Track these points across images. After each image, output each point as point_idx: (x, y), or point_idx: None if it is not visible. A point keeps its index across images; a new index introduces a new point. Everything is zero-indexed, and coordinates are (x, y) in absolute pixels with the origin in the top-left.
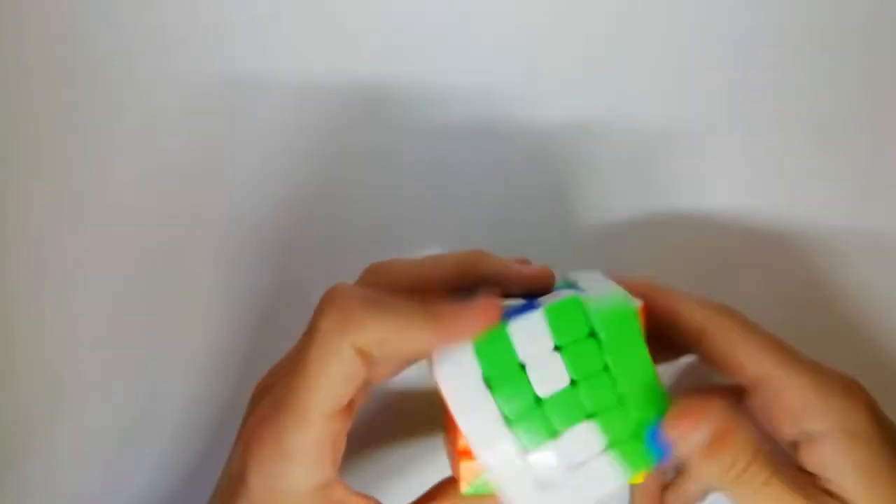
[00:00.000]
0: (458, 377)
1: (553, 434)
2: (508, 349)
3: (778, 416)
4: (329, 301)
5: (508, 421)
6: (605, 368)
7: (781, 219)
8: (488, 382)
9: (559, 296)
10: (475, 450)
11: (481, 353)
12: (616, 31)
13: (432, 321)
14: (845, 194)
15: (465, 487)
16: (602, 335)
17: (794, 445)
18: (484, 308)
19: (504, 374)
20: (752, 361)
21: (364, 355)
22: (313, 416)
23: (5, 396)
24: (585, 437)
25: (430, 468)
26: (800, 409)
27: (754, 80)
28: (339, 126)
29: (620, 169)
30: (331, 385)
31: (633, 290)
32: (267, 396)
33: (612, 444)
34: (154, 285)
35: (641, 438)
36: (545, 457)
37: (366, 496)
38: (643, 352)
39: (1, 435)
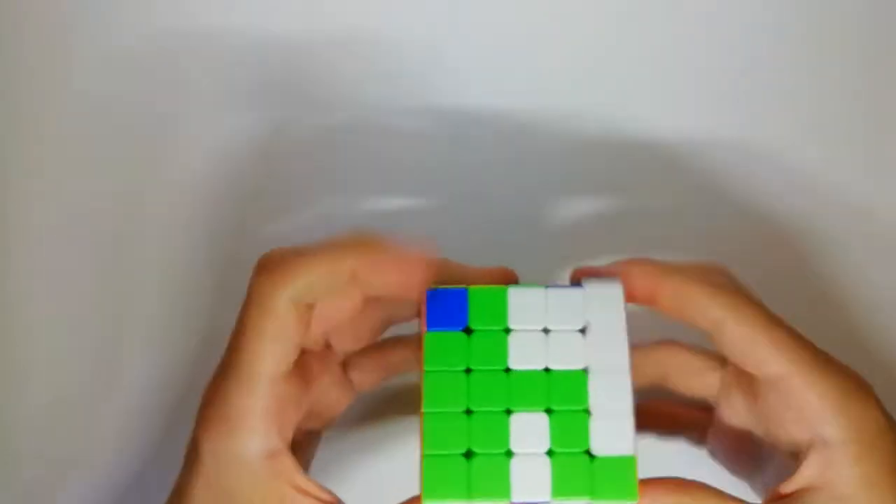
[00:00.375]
0: None
1: (505, 409)
2: (502, 310)
3: (791, 418)
4: (260, 264)
5: (468, 372)
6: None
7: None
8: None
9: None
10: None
11: (474, 301)
12: (616, 31)
13: (354, 249)
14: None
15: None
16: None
17: (795, 451)
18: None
19: (487, 331)
20: (772, 359)
21: (300, 309)
22: (255, 378)
23: (5, 396)
24: (531, 430)
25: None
26: (816, 413)
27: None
28: (335, 125)
29: (618, 169)
30: (269, 345)
31: (638, 279)
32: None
33: (554, 453)
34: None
35: (585, 465)
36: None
37: (316, 483)
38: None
39: (1, 435)
